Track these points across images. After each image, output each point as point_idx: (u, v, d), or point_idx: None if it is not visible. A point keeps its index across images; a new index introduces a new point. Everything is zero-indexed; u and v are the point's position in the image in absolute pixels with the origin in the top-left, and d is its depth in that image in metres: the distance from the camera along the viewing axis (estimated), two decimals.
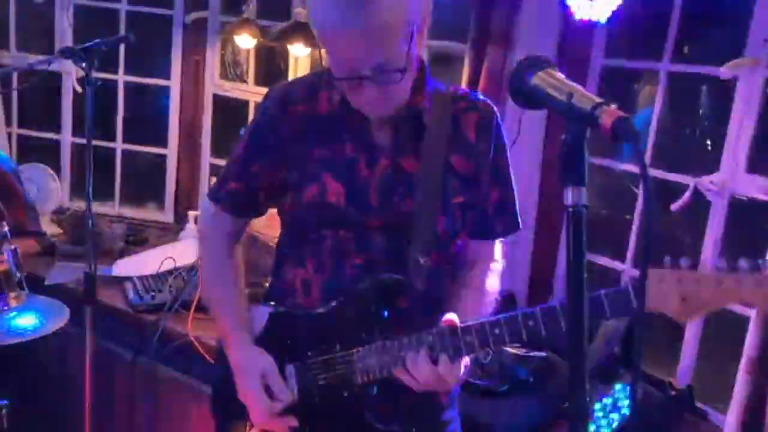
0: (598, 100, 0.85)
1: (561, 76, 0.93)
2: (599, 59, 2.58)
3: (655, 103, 2.49)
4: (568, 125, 0.86)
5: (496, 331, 1.31)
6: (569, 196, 0.87)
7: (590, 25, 2.42)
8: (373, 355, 1.41)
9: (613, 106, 0.83)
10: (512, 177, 1.56)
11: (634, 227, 2.56)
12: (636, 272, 2.55)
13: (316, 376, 1.47)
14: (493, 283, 1.58)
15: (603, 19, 2.36)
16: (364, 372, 1.42)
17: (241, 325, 1.56)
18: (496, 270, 1.60)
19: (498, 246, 1.61)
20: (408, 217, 1.45)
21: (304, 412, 1.49)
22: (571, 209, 0.87)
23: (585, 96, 0.87)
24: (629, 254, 2.58)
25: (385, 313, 1.44)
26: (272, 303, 1.57)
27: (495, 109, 1.54)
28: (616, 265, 2.61)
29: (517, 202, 1.57)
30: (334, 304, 1.47)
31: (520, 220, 1.58)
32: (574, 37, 2.51)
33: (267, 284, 2.46)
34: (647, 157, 2.50)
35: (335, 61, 1.35)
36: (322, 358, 1.46)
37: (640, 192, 2.51)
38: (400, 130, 1.47)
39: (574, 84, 0.90)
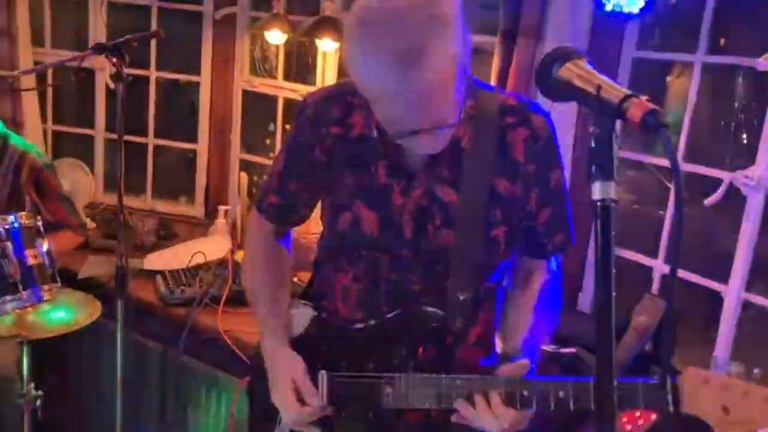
0: (628, 92, 0.83)
1: (590, 67, 0.91)
2: (631, 51, 2.53)
3: (688, 97, 2.44)
4: (597, 118, 0.84)
5: (525, 392, 1.29)
6: (597, 191, 0.85)
7: (622, 17, 2.38)
8: (402, 385, 1.39)
9: (643, 98, 0.81)
10: (566, 192, 1.46)
11: (667, 223, 2.52)
12: (668, 269, 2.50)
13: (345, 390, 1.45)
14: (548, 298, 1.49)
15: (635, 11, 2.32)
16: (390, 398, 1.40)
17: (279, 326, 1.54)
18: (550, 285, 1.50)
19: (552, 260, 1.52)
20: (443, 249, 1.41)
21: (331, 422, 1.48)
22: (599, 204, 0.85)
23: (614, 88, 0.85)
24: (661, 250, 2.54)
25: (420, 347, 1.43)
26: (312, 304, 1.57)
27: (548, 120, 1.42)
28: (648, 261, 2.57)
29: (571, 217, 1.47)
30: (372, 323, 1.46)
31: (573, 234, 1.49)
32: (606, 29, 2.47)
33: (295, 279, 2.49)
34: (680, 150, 2.46)
35: (386, 121, 1.27)
36: (354, 374, 1.45)
37: (673, 188, 2.47)
38: (437, 156, 1.38)
39: (603, 75, 0.88)
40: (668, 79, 2.70)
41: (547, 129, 1.41)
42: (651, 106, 0.80)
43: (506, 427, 1.32)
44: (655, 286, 2.54)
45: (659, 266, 2.54)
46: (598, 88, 0.84)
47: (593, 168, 0.84)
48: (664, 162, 2.52)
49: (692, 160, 2.42)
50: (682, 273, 2.45)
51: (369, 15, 1.19)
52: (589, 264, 2.67)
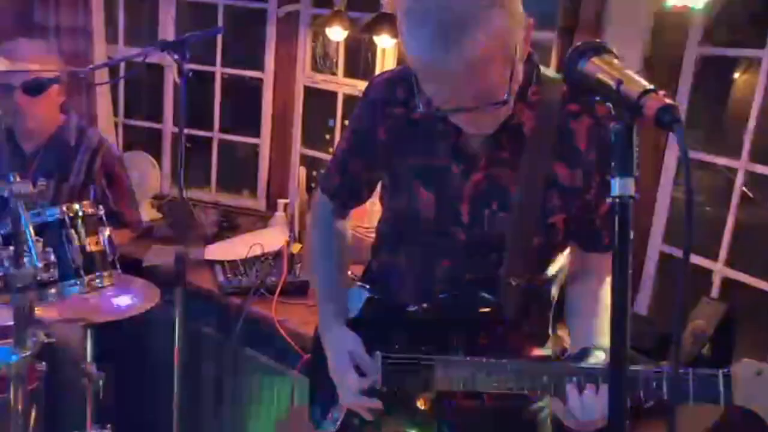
0: (648, 87, 0.82)
1: (616, 62, 0.90)
2: (695, 47, 2.45)
3: (755, 93, 2.35)
4: (617, 113, 0.83)
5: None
6: (616, 187, 0.84)
7: (685, 12, 2.30)
8: (454, 368, 1.39)
9: (661, 93, 0.80)
10: None
11: (728, 225, 2.43)
12: (730, 273, 2.42)
13: (398, 370, 1.46)
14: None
15: (699, 5, 2.24)
16: (442, 381, 1.40)
17: (337, 305, 1.60)
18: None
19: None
20: (500, 234, 1.41)
21: (385, 402, 1.50)
22: (617, 200, 0.84)
23: (635, 83, 0.84)
24: (722, 253, 2.45)
25: (472, 333, 1.43)
26: (368, 286, 1.60)
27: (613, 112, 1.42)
28: (708, 263, 2.48)
29: None
30: (425, 305, 1.47)
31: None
32: (668, 24, 2.40)
33: (349, 272, 2.52)
34: (745, 149, 2.37)
35: (434, 92, 1.28)
36: (407, 355, 1.46)
37: (736, 188, 2.39)
38: (497, 140, 1.39)
39: (628, 71, 0.87)
40: (734, 75, 2.60)
41: (611, 119, 1.38)
42: (666, 101, 0.79)
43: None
44: (715, 290, 2.46)
45: (719, 269, 2.45)
46: (618, 82, 0.83)
47: (612, 164, 0.83)
48: (733, 163, 2.42)
49: (758, 160, 2.33)
50: (742, 276, 2.37)
51: None
52: (648, 263, 2.61)
